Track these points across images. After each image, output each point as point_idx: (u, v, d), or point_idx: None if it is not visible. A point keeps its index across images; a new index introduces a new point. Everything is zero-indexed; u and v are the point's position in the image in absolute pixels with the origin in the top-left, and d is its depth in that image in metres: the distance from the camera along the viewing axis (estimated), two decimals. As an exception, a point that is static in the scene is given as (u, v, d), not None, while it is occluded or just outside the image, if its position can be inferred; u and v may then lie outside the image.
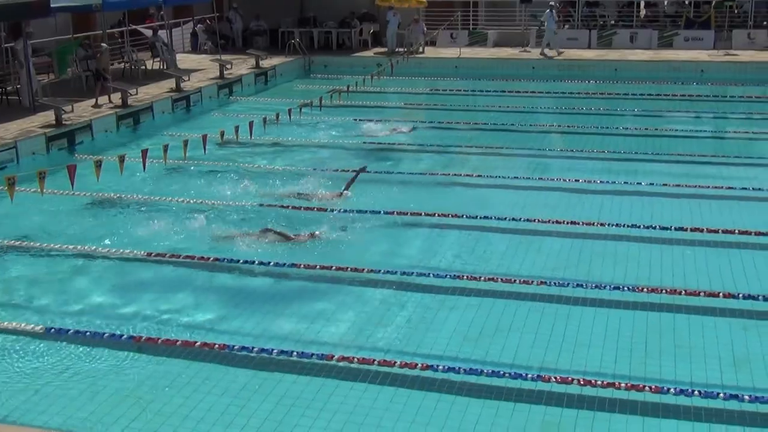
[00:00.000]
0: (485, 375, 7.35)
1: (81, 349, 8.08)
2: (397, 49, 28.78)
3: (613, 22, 31.07)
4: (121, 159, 12.55)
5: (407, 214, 11.98)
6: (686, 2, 31.34)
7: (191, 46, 30.51)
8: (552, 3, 28.63)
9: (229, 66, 24.51)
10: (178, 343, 8.09)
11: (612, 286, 9.34)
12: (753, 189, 13.19)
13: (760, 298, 8.91)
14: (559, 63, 26.87)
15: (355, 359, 7.66)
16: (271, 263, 10.12)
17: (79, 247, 10.85)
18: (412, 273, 9.80)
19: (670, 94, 22.44)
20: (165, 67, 24.77)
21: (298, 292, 9.52)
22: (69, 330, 8.37)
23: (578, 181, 13.82)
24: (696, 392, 6.99)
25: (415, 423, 6.76)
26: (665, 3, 32.44)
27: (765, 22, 29.30)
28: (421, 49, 28.92)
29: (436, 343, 8.20)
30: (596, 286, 9.37)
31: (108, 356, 7.94)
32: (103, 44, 20.98)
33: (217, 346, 7.96)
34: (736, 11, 29.61)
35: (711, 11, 29.38)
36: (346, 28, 30.82)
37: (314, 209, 12.27)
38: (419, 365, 7.50)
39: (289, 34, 29.70)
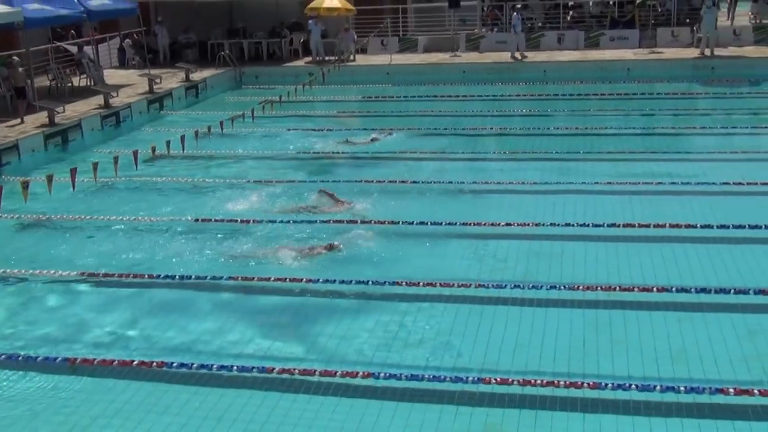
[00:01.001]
0: (426, 380, 7.36)
1: (13, 373, 7.88)
2: (327, 58, 28.75)
3: (540, 24, 31.51)
4: (49, 179, 12.32)
5: (344, 222, 11.94)
6: (611, 2, 31.97)
7: (119, 62, 30.07)
8: (518, 6, 29.01)
9: (158, 80, 24.21)
10: (114, 363, 7.93)
11: (549, 286, 9.44)
12: (682, 183, 13.45)
13: (692, 290, 9.08)
14: (489, 66, 27.12)
15: (296, 371, 7.60)
16: (193, 277, 10.03)
17: (8, 270, 10.58)
18: (349, 281, 9.75)
19: (599, 93, 22.81)
20: (92, 84, 24.36)
21: (217, 304, 9.46)
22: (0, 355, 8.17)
23: (512, 182, 13.94)
24: (633, 386, 7.09)
25: (359, 432, 6.76)
26: (590, 4, 33.03)
27: (688, 20, 30.00)
28: (352, 57, 28.95)
29: (377, 351, 8.18)
30: (533, 287, 9.45)
31: (42, 379, 7.75)
32: (15, 58, 20.53)
33: (155, 364, 7.82)
34: (659, 9, 30.28)
35: (635, 11, 30.01)
36: (276, 38, 30.70)
37: (238, 221, 12.13)
38: (360, 373, 7.47)
39: (219, 46, 29.47)
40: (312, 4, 28.84)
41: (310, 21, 29.19)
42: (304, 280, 9.79)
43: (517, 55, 28.00)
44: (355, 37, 29.62)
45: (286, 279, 9.81)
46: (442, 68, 27.40)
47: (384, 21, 30.72)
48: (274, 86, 24.17)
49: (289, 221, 12.05)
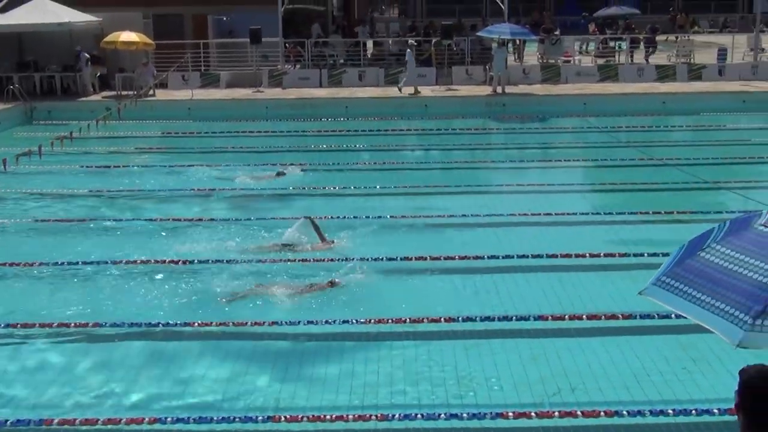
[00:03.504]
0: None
1: None
2: (123, 93, 27.89)
3: (342, 61, 32.04)
4: None
5: (136, 262, 11.54)
6: (409, 41, 32.97)
7: None
8: (411, 42, 29.19)
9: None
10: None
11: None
12: (472, 215, 13.89)
13: (477, 318, 9.42)
14: (292, 102, 27.26)
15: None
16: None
17: None
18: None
19: (397, 128, 23.40)
20: None
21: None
22: None
23: (308, 217, 13.92)
24: (419, 415, 7.22)
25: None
26: (390, 42, 33.98)
27: (481, 59, 31.41)
28: (151, 92, 28.25)
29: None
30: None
31: None
32: None
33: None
34: (454, 49, 31.55)
35: (431, 49, 31.12)
36: (70, 71, 29.47)
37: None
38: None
39: (8, 80, 27.93)
40: (108, 38, 27.94)
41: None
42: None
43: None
44: (155, 71, 28.94)
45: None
46: (245, 104, 27.25)
47: (185, 55, 30.23)
48: (69, 121, 23.11)
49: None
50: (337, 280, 10.57)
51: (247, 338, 9.39)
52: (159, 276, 11.17)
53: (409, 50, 29.28)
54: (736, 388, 3.64)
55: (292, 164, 18.05)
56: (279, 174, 17.39)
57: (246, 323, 9.52)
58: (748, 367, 3.65)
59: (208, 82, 30.12)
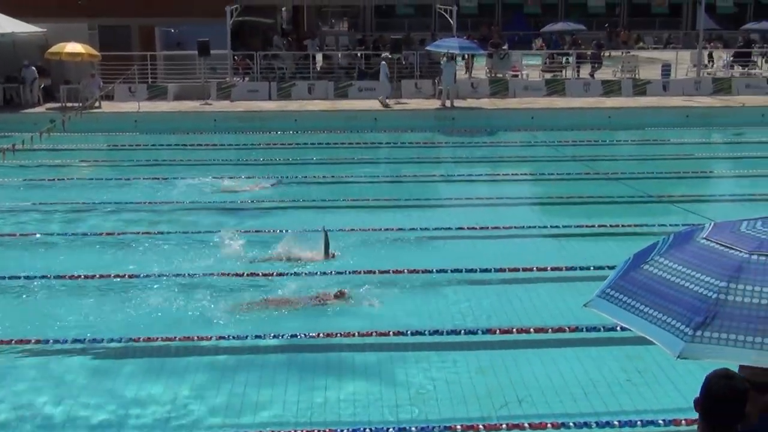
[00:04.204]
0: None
1: None
2: (68, 105, 27.47)
3: (291, 74, 31.96)
4: None
5: (81, 277, 11.34)
6: (358, 55, 33.08)
7: None
8: (385, 55, 29.76)
9: None
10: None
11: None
12: (421, 229, 13.91)
13: (426, 332, 9.47)
14: (241, 115, 27.11)
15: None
16: None
17: None
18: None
19: (347, 142, 23.39)
20: None
21: None
22: None
23: (259, 232, 13.86)
24: (367, 430, 7.20)
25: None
26: (339, 56, 34.02)
27: (430, 73, 31.59)
28: (97, 104, 27.87)
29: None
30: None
31: None
32: None
33: None
34: (404, 62, 31.68)
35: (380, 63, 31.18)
36: (14, 83, 28.96)
37: None
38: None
39: (-53, 91, 27.38)
40: (53, 49, 27.55)
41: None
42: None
43: (389, 101, 28.32)
44: (101, 83, 28.57)
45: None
46: (193, 116, 27.01)
47: (132, 67, 29.89)
48: (12, 133, 22.67)
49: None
50: (345, 290, 10.66)
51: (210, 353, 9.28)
52: (106, 291, 11.01)
53: (384, 63, 29.37)
54: (700, 389, 3.77)
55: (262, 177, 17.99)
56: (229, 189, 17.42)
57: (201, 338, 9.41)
58: (714, 371, 3.75)
59: (155, 94, 29.82)
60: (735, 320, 3.77)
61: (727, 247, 4.11)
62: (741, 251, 4.04)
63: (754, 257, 3.98)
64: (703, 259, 4.09)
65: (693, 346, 3.78)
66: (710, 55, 38.53)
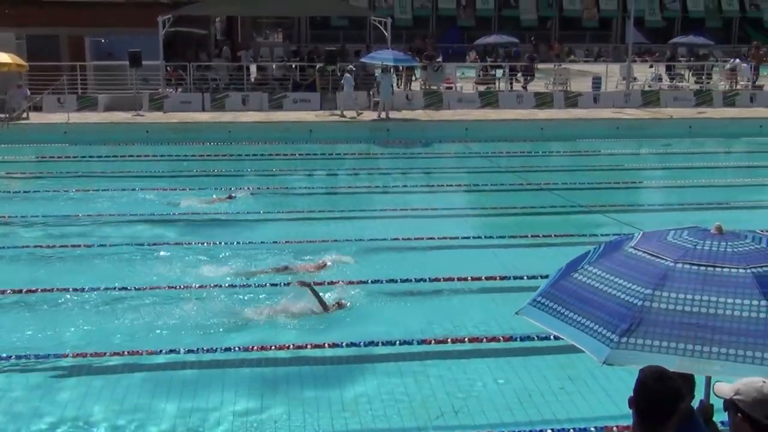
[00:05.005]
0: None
1: None
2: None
3: (224, 85, 31.71)
4: None
5: (5, 292, 11.04)
6: (293, 66, 32.98)
7: None
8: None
9: None
10: None
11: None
12: (356, 240, 13.90)
13: (361, 344, 9.45)
14: (174, 126, 26.76)
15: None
16: None
17: None
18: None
19: (281, 153, 23.26)
20: None
21: None
22: None
23: (191, 244, 13.68)
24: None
25: None
26: (274, 67, 33.85)
27: (365, 85, 31.65)
28: (24, 115, 27.25)
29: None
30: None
31: None
32: None
33: None
34: (338, 74, 31.66)
35: (315, 74, 31.17)
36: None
37: None
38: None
39: None
40: (-21, 59, 26.88)
41: None
42: None
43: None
44: (28, 93, 27.95)
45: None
46: (124, 128, 26.57)
47: (61, 78, 29.29)
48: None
49: None
50: (344, 301, 10.62)
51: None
52: (43, 305, 10.77)
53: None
54: (634, 386, 3.80)
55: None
56: (230, 197, 17.39)
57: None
58: (646, 368, 3.79)
59: (85, 105, 29.26)
60: (659, 327, 3.84)
61: (654, 255, 4.18)
62: (666, 260, 4.11)
63: (679, 265, 4.06)
64: (630, 268, 4.15)
65: (618, 352, 3.83)
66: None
